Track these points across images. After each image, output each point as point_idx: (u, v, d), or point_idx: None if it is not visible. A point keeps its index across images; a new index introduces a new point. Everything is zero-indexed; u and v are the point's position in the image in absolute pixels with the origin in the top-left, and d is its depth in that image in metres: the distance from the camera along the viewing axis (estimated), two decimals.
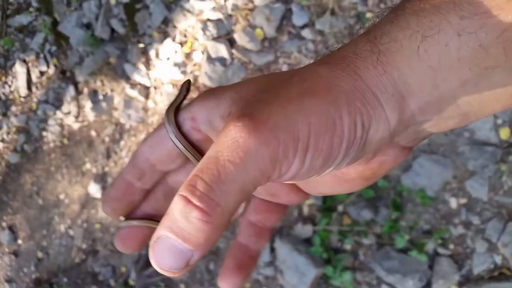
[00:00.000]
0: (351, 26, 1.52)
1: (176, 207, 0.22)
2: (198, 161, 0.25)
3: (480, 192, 1.33)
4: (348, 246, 1.52)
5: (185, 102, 0.31)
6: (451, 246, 1.39)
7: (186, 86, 0.32)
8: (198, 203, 0.21)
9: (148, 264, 1.94)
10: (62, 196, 2.18)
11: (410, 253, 1.41)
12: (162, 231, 0.22)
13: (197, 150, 0.30)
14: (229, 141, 0.23)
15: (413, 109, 0.25)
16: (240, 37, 1.68)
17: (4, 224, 2.32)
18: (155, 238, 0.23)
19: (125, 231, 0.32)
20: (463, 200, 1.37)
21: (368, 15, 1.49)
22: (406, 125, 0.26)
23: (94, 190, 2.06)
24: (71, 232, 2.14)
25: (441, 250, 1.39)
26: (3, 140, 2.33)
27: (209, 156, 0.23)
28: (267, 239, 0.34)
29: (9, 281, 2.25)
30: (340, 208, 1.52)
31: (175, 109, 0.30)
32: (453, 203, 1.38)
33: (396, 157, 0.29)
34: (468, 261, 1.36)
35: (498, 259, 1.33)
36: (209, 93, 0.28)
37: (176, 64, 1.82)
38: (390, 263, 1.43)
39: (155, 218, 0.32)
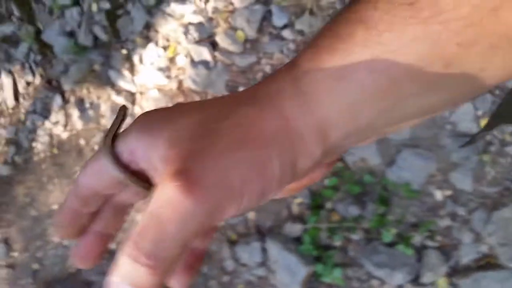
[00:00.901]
0: None
1: (126, 261, 0.25)
2: (142, 188, 0.29)
3: (465, 183, 1.34)
4: (337, 243, 1.53)
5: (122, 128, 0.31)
6: (438, 238, 1.40)
7: (123, 113, 0.32)
8: (145, 260, 0.24)
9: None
10: (55, 207, 2.18)
11: (397, 247, 1.42)
12: (115, 278, 0.25)
13: (138, 177, 0.30)
14: (167, 200, 0.25)
15: (335, 139, 0.27)
16: (222, 40, 1.69)
17: None
18: (110, 283, 0.26)
19: (80, 248, 0.33)
20: (448, 192, 1.38)
21: None
22: (330, 151, 0.28)
23: None
24: (65, 242, 2.15)
25: (428, 243, 1.40)
26: None
27: (150, 214, 0.25)
28: (212, 237, 0.35)
29: None
30: (328, 205, 1.53)
31: (113, 138, 0.30)
32: (439, 195, 1.39)
33: (322, 172, 0.32)
34: (456, 252, 1.37)
35: (485, 248, 1.34)
36: (145, 128, 0.28)
37: (160, 69, 1.83)
38: (379, 258, 1.44)
39: (105, 236, 0.34)
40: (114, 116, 0.32)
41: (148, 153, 0.28)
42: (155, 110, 0.30)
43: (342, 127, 0.27)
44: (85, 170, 0.31)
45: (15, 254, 2.26)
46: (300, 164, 0.27)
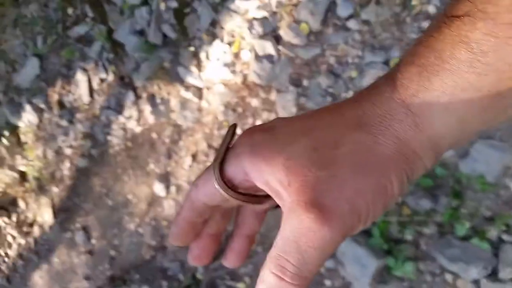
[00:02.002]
0: (397, 14, 1.49)
1: (270, 280, 0.29)
2: (253, 204, 0.33)
3: None
4: (408, 237, 1.51)
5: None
6: None
7: (232, 130, 0.34)
8: (291, 281, 0.28)
9: (213, 258, 2.01)
10: (130, 196, 2.28)
11: (472, 241, 1.38)
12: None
13: (248, 195, 0.33)
14: (305, 229, 0.28)
15: (444, 149, 0.30)
16: (285, 33, 1.69)
17: (78, 225, 2.46)
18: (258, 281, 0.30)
19: (197, 250, 0.38)
20: None
21: (414, 2, 1.45)
22: (438, 159, 0.31)
23: (159, 189, 2.15)
24: (140, 230, 2.24)
25: (505, 237, 1.35)
26: (71, 146, 2.46)
27: (288, 240, 0.28)
28: (263, 221, 0.39)
29: (87, 278, 2.39)
30: (398, 199, 1.50)
31: (222, 159, 0.32)
32: None
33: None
34: None
35: None
36: (257, 153, 0.31)
37: (225, 64, 1.86)
38: (452, 252, 1.40)
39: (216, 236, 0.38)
40: (225, 134, 0.34)
41: (265, 177, 0.30)
42: (258, 129, 0.32)
43: (451, 139, 0.29)
44: (197, 189, 0.34)
45: (94, 241, 2.38)
46: (415, 177, 0.30)
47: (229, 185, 0.32)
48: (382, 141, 0.29)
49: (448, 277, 1.44)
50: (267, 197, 0.32)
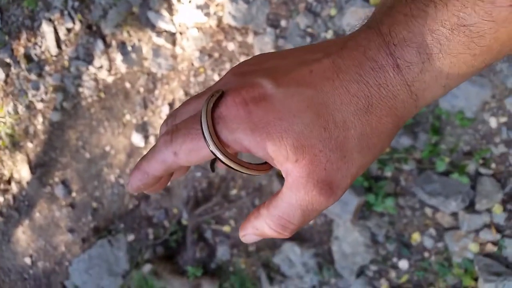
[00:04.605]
0: None
1: (269, 233, 0.34)
2: (255, 173, 0.33)
3: None
4: (388, 173, 1.53)
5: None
6: (493, 166, 1.38)
7: (217, 97, 0.32)
8: (288, 235, 0.33)
9: (197, 204, 2.02)
10: (107, 148, 2.25)
11: (452, 175, 1.41)
12: (253, 231, 0.35)
13: (249, 165, 0.33)
14: (313, 200, 0.31)
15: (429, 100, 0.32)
16: None
17: (56, 179, 2.44)
18: (249, 227, 0.35)
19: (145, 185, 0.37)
20: (503, 119, 1.34)
21: None
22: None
23: (137, 139, 2.12)
24: (121, 181, 2.23)
25: (483, 170, 1.38)
26: (42, 100, 2.39)
27: (293, 206, 0.32)
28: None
29: (70, 231, 2.39)
30: None
31: (214, 131, 0.31)
32: (493, 122, 1.35)
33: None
34: (511, 179, 1.35)
35: None
36: (261, 131, 0.31)
37: (198, 7, 1.79)
38: (432, 187, 1.44)
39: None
40: (207, 100, 0.32)
41: (267, 152, 0.31)
42: (252, 98, 0.31)
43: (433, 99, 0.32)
44: (178, 157, 0.33)
45: (74, 194, 2.37)
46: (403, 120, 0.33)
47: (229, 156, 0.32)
48: (385, 120, 0.31)
49: (428, 211, 1.48)
50: (265, 164, 0.34)
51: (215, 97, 0.32)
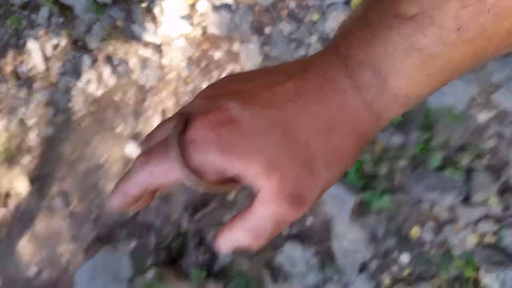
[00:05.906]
0: None
1: (244, 243, 0.34)
2: (224, 191, 0.34)
3: (508, 103, 1.31)
4: (383, 171, 1.55)
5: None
6: (486, 158, 1.40)
7: (183, 123, 0.33)
8: (262, 244, 0.34)
9: (196, 209, 2.04)
10: (102, 160, 2.26)
11: (446, 170, 1.43)
12: (228, 242, 0.35)
13: (218, 184, 0.34)
14: (284, 213, 0.32)
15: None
16: None
17: (55, 191, 2.44)
18: (224, 238, 0.35)
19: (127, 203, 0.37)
20: (491, 114, 1.36)
21: None
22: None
23: (132, 150, 2.13)
24: None
25: (476, 164, 1.40)
26: (33, 116, 2.39)
27: (265, 218, 0.32)
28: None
29: (73, 240, 2.40)
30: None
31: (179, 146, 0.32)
32: (482, 117, 1.37)
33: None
34: (505, 170, 1.38)
35: None
36: (231, 152, 0.32)
37: (182, 17, 1.79)
38: (427, 182, 1.46)
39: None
40: (174, 126, 0.33)
41: (238, 170, 0.32)
42: (218, 121, 0.32)
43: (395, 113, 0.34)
44: (154, 177, 0.34)
45: (74, 205, 2.37)
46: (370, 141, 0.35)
47: (196, 176, 0.33)
48: (348, 139, 0.32)
49: (425, 206, 1.50)
50: (233, 181, 0.34)
51: (182, 121, 0.33)
